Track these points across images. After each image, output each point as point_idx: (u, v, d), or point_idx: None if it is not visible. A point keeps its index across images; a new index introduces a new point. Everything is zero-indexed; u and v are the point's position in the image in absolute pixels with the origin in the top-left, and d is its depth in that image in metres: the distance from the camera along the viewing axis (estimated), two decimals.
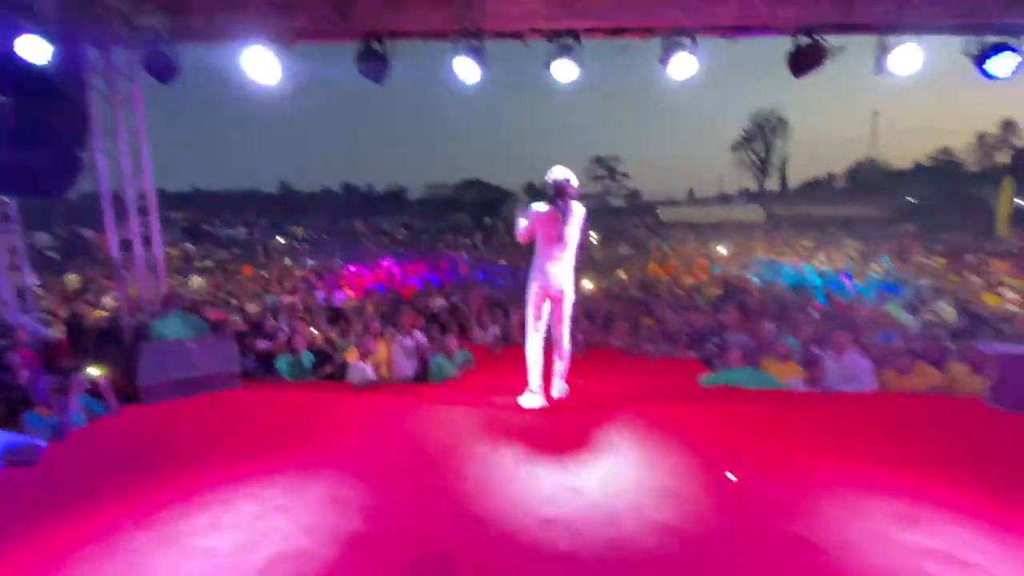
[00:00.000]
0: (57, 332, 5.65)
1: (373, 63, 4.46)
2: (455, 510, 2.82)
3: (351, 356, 5.17)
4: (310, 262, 11.92)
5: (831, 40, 4.27)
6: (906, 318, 5.89)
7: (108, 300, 7.33)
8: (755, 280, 8.23)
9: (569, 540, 2.56)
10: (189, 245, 16.58)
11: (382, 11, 4.51)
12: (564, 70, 4.46)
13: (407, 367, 5.52)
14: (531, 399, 4.13)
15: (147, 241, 5.22)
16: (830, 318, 6.09)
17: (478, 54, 4.46)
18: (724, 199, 53.03)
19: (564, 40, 4.45)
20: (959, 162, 44.20)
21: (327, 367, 5.24)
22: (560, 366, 4.29)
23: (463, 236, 21.95)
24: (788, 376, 4.80)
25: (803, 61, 4.26)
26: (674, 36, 4.39)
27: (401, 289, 8.95)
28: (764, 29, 4.42)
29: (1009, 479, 3.06)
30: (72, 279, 9.15)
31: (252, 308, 6.76)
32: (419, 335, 5.81)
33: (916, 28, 4.12)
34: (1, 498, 3.00)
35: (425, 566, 2.39)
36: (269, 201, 49.07)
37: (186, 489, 3.04)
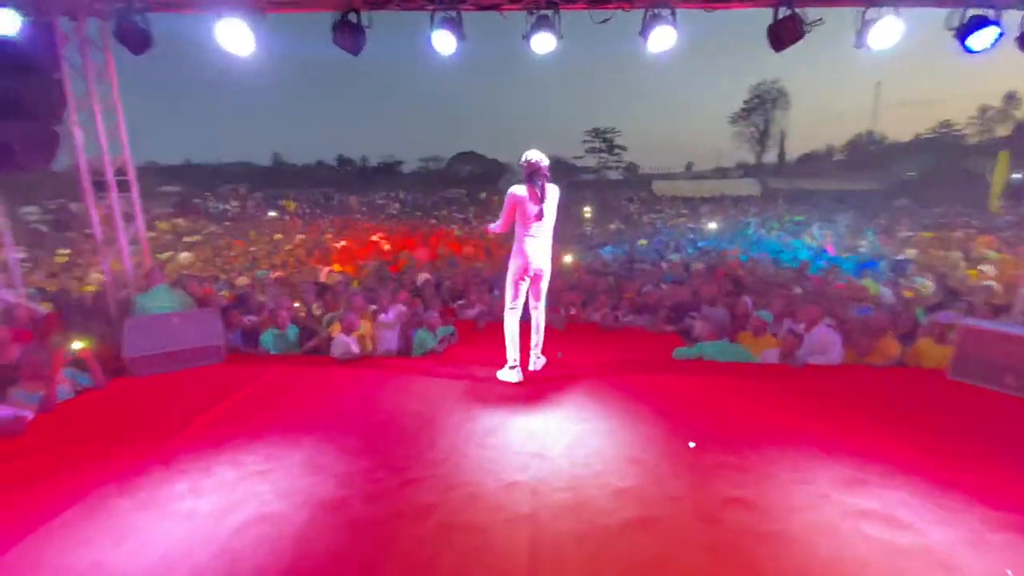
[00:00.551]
0: (47, 307, 5.72)
1: (348, 34, 4.41)
2: (424, 475, 2.95)
3: (335, 330, 5.26)
4: (300, 237, 11.92)
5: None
6: (883, 291, 5.99)
7: (96, 275, 7.37)
8: (741, 256, 8.31)
9: (530, 501, 2.70)
10: (180, 220, 16.49)
11: None
12: (542, 42, 4.42)
13: (391, 341, 5.63)
14: (509, 373, 4.25)
15: (129, 217, 5.23)
16: (808, 292, 6.19)
17: (455, 25, 4.41)
18: (722, 172, 52.74)
19: (544, 12, 4.39)
20: (959, 135, 43.84)
21: (311, 341, 5.34)
22: (536, 339, 4.40)
23: (457, 211, 21.85)
24: (762, 349, 4.93)
25: (782, 34, 4.23)
26: (653, 7, 4.34)
27: (391, 264, 9.00)
28: (744, 0, 4.37)
29: (955, 446, 3.22)
30: (61, 254, 9.17)
31: (241, 281, 6.82)
32: (402, 309, 5.91)
33: (896, 0, 4.09)
34: None
35: (392, 525, 2.53)
36: (262, 173, 48.59)
37: (167, 457, 3.17)
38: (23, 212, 19.71)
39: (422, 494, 2.78)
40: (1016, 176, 19.61)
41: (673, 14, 4.28)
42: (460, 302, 6.45)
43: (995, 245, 10.51)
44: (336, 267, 8.83)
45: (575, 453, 3.16)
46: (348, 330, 5.16)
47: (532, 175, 3.95)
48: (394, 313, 5.81)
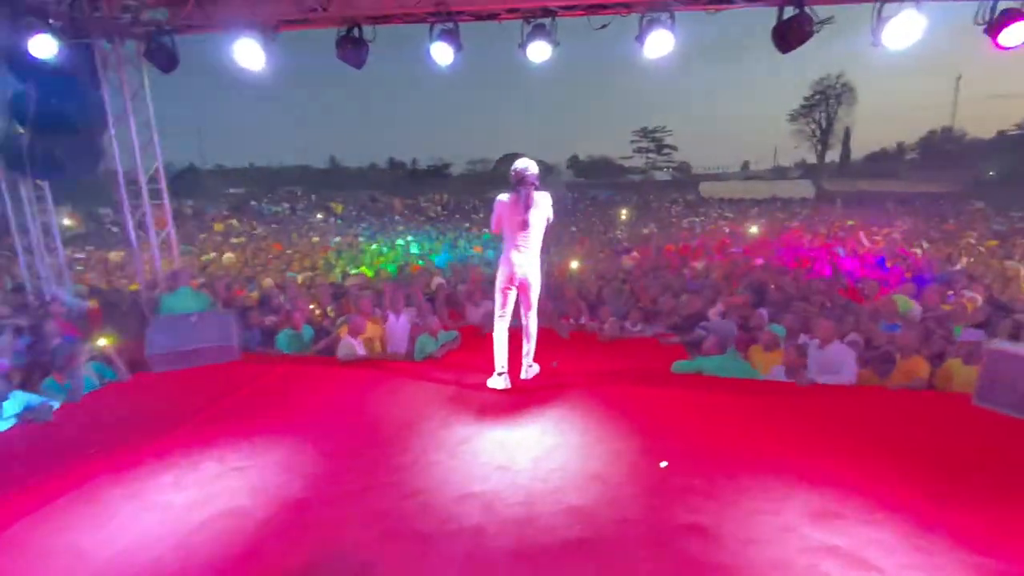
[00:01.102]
0: (93, 304, 6.27)
1: (351, 49, 4.57)
2: (387, 480, 3.03)
3: (343, 332, 5.46)
4: (336, 239, 12.41)
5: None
6: (914, 308, 5.55)
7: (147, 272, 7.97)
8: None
9: (481, 514, 2.71)
10: (234, 222, 17.57)
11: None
12: (538, 51, 4.41)
13: (401, 344, 5.79)
14: (496, 380, 4.27)
15: (162, 222, 5.64)
16: (835, 306, 5.83)
17: (452, 37, 4.48)
18: (780, 172, 50.28)
19: (539, 20, 4.39)
20: None
21: (321, 342, 5.56)
22: (527, 348, 4.40)
23: None
24: (771, 365, 4.70)
25: (789, 35, 4.00)
26: (653, 11, 4.24)
27: (413, 267, 9.21)
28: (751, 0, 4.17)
29: (957, 482, 2.95)
30: (114, 255, 10.05)
31: (266, 283, 7.20)
32: (413, 313, 6.05)
33: None
34: (11, 450, 3.47)
35: (342, 528, 2.61)
36: (318, 176, 50.85)
37: (163, 450, 3.41)
38: (102, 213, 21.63)
39: (380, 499, 2.85)
40: None
41: (672, 18, 4.16)
42: (469, 305, 6.51)
43: None
44: (363, 269, 9.14)
45: (540, 467, 3.14)
46: (355, 332, 5.34)
47: (518, 184, 3.95)
48: (405, 316, 5.96)
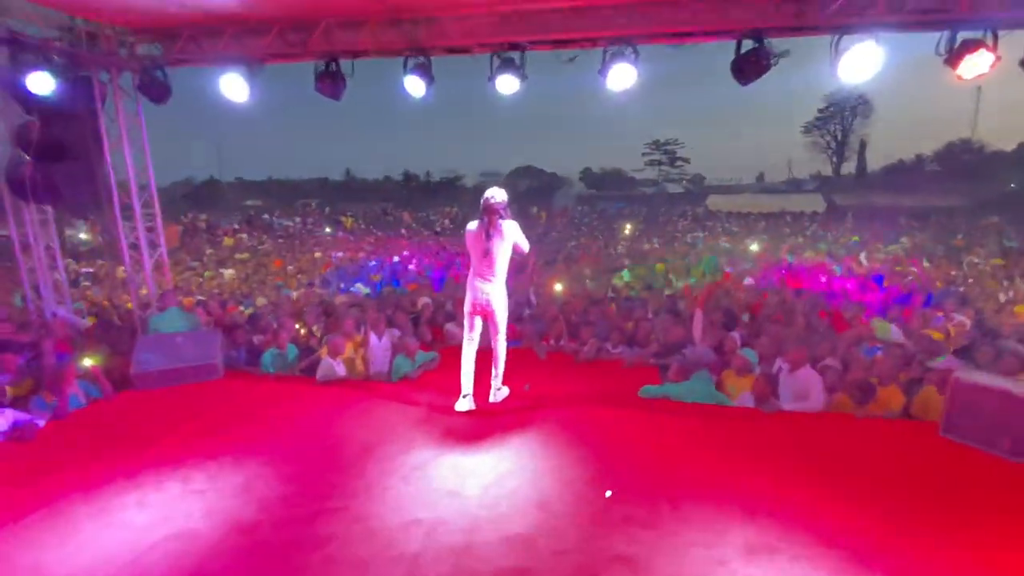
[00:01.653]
0: (91, 321, 6.52)
1: (329, 83, 4.76)
2: (338, 505, 3.12)
3: (323, 352, 5.60)
4: (339, 255, 12.67)
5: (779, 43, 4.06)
6: (893, 332, 5.49)
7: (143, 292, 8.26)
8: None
9: (422, 541, 2.79)
10: (243, 235, 18.03)
11: (340, 33, 4.80)
12: (506, 84, 4.55)
13: (383, 363, 5.90)
14: (462, 403, 4.35)
15: (153, 244, 5.89)
16: (811, 330, 5.81)
17: (425, 71, 4.65)
18: (796, 184, 49.75)
19: (507, 54, 4.53)
20: None
21: (304, 361, 5.71)
22: (495, 371, 4.48)
23: None
24: (742, 391, 4.70)
25: (746, 68, 4.07)
26: (617, 45, 4.35)
27: (408, 285, 9.37)
28: (710, 34, 4.26)
29: (904, 518, 2.94)
30: (121, 271, 10.40)
31: (260, 302, 7.40)
32: (396, 333, 6.17)
33: (870, 28, 3.82)
34: None
35: (286, 553, 2.71)
36: (334, 188, 51.82)
37: (133, 468, 3.56)
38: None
39: (327, 524, 2.95)
40: None
41: (635, 52, 4.26)
42: (449, 324, 6.61)
43: None
44: (358, 287, 9.32)
45: (488, 494, 3.21)
46: (334, 353, 5.47)
47: (483, 213, 4.06)
48: (387, 337, 6.08)
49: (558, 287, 7.10)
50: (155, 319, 5.48)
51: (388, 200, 43.99)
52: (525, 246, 4.31)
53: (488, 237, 4.04)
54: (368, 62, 4.98)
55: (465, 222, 4.45)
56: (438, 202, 42.06)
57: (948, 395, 3.87)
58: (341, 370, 5.43)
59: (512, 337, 6.31)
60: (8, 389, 4.59)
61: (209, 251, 13.58)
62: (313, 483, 3.37)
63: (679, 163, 52.80)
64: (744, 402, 4.56)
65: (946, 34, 3.84)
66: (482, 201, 4.10)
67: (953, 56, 3.84)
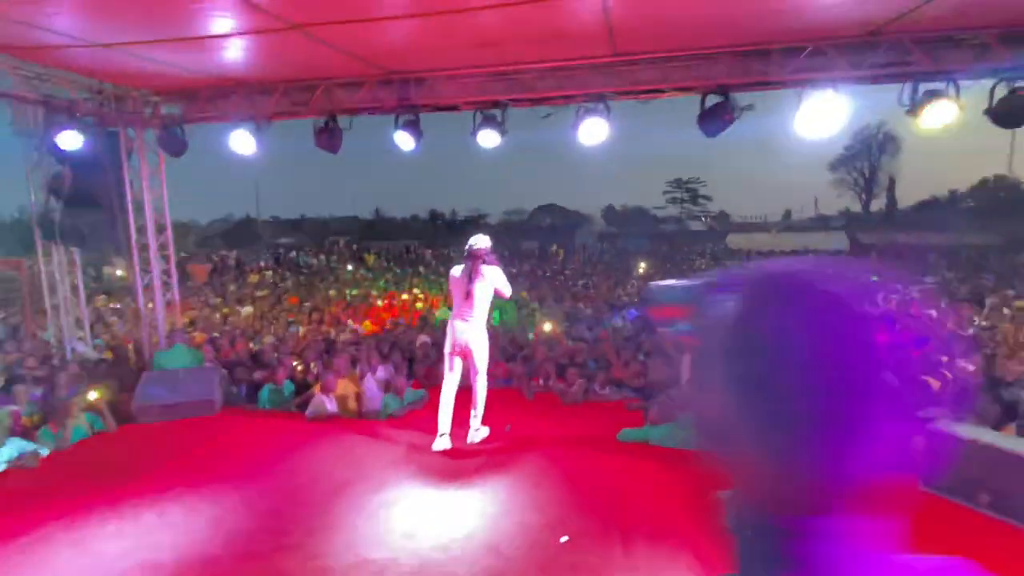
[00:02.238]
0: (108, 356, 6.92)
1: (327, 138, 5.14)
2: (299, 542, 3.22)
3: (317, 389, 5.79)
4: (353, 292, 13.06)
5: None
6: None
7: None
8: None
9: None
10: (268, 273, 18.78)
11: (340, 93, 5.21)
12: (487, 138, 4.83)
13: (375, 402, 6.05)
14: (438, 442, 4.44)
15: (167, 285, 6.29)
16: None
17: (414, 127, 4.98)
18: (824, 221, 48.92)
19: (490, 112, 4.82)
20: None
21: (299, 398, 5.90)
22: (474, 412, 4.57)
23: (523, 265, 22.47)
24: None
25: (713, 121, 4.24)
26: (591, 101, 4.59)
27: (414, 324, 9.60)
28: (680, 90, 4.46)
29: None
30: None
31: (267, 339, 7.72)
32: (392, 371, 6.33)
33: (833, 83, 3.95)
34: None
35: None
36: (364, 227, 53.54)
37: (116, 499, 3.75)
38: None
39: (284, 561, 3.05)
40: None
41: (607, 108, 4.49)
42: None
43: None
44: (366, 325, 9.60)
45: (444, 535, 3.26)
46: (326, 390, 5.65)
47: (467, 258, 4.27)
48: (383, 374, 6.25)
49: (547, 327, 7.19)
50: (160, 355, 5.80)
51: (415, 238, 45.18)
52: (507, 291, 4.47)
53: (470, 280, 4.23)
54: None
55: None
56: (462, 240, 42.74)
57: (928, 445, 3.76)
58: (332, 407, 5.59)
59: (503, 376, 6.43)
60: (23, 419, 4.92)
61: (232, 288, 14.20)
62: (279, 519, 3.48)
63: (701, 201, 52.72)
64: None
65: (908, 86, 3.94)
66: (466, 247, 4.32)
67: (916, 107, 3.92)
